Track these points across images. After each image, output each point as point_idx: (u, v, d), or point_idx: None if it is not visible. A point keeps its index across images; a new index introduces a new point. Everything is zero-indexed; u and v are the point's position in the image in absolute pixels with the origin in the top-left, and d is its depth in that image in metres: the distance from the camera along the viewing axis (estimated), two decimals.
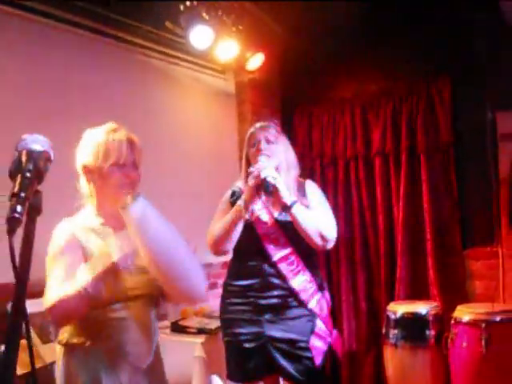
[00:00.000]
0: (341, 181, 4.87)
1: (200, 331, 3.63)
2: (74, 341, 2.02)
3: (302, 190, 3.03)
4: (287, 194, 2.79)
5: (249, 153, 3.02)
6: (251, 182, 2.79)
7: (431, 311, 4.07)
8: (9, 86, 3.25)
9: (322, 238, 2.83)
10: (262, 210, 2.94)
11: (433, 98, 4.47)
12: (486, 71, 4.23)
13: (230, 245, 2.85)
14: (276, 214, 2.93)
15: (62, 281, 1.89)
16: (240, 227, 2.84)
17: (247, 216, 2.81)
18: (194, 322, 3.77)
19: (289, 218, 2.84)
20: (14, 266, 1.21)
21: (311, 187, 3.09)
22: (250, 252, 2.92)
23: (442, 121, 4.44)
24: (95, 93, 3.70)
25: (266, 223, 2.92)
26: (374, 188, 4.73)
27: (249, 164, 2.99)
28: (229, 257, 3.08)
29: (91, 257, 1.98)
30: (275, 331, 2.84)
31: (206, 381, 3.44)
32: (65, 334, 2.04)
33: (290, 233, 2.88)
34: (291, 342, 2.82)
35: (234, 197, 3.02)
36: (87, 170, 2.06)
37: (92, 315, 1.97)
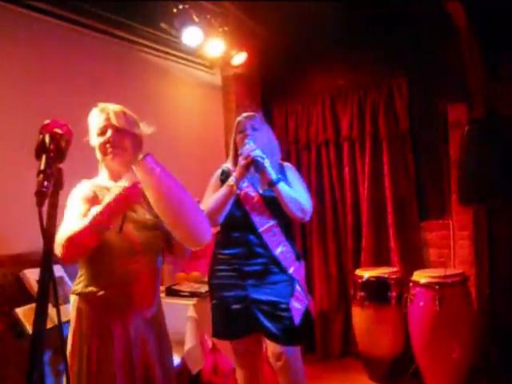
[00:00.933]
0: (313, 163, 4.81)
1: (192, 295, 3.57)
2: (87, 290, 2.01)
3: (282, 172, 3.00)
4: (273, 172, 2.77)
5: (236, 138, 2.97)
6: (242, 161, 2.76)
7: (392, 275, 4.08)
8: (29, 75, 3.24)
9: (302, 211, 2.81)
10: (249, 188, 2.89)
11: (393, 92, 4.45)
12: (437, 69, 4.21)
13: (222, 217, 2.79)
14: (261, 191, 2.89)
15: (75, 221, 1.90)
16: (231, 201, 2.79)
17: (237, 192, 2.75)
18: (186, 287, 3.71)
19: (273, 194, 2.81)
20: (44, 235, 1.24)
21: (290, 169, 3.07)
22: (237, 224, 2.86)
23: (400, 111, 4.42)
24: (100, 83, 3.67)
25: (253, 198, 2.87)
26: (342, 169, 4.69)
27: (236, 148, 2.97)
28: (217, 229, 3.01)
29: None
30: (258, 294, 2.80)
31: (197, 338, 3.38)
32: (79, 284, 2.04)
33: (273, 207, 2.84)
34: (273, 304, 2.77)
35: (224, 175, 2.96)
36: (92, 146, 2.11)
37: (104, 267, 2.00)
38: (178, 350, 3.26)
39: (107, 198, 1.91)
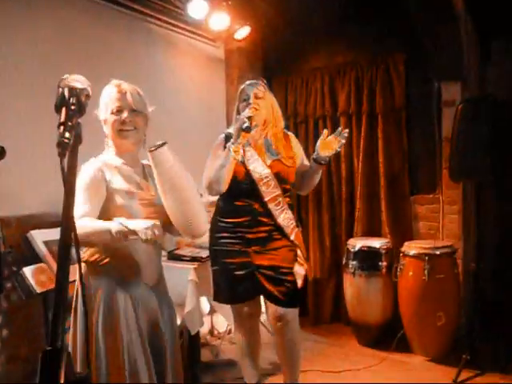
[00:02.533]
0: (311, 136, 4.76)
1: (193, 259, 3.52)
2: (94, 258, 2.00)
3: (287, 141, 2.97)
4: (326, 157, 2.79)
5: (240, 106, 2.91)
6: (236, 126, 2.70)
7: (383, 246, 4.08)
8: (43, 44, 3.22)
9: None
10: (258, 160, 2.84)
11: (389, 69, 4.39)
12: (434, 48, 4.11)
13: (224, 185, 2.72)
14: (269, 162, 2.84)
15: (82, 203, 1.88)
16: (232, 167, 2.71)
17: (239, 158, 2.68)
18: (187, 252, 3.67)
19: (281, 166, 2.84)
20: (65, 185, 1.20)
21: (294, 140, 3.04)
22: (242, 194, 2.82)
23: (396, 88, 4.37)
24: (106, 52, 3.63)
25: (262, 169, 2.82)
26: None
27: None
28: (216, 197, 2.99)
29: (113, 190, 1.99)
30: (261, 260, 2.79)
31: (197, 300, 3.36)
32: (86, 252, 2.02)
33: (279, 177, 2.83)
34: (276, 269, 2.78)
35: (228, 140, 2.87)
36: (103, 121, 2.08)
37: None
38: (179, 311, 3.23)
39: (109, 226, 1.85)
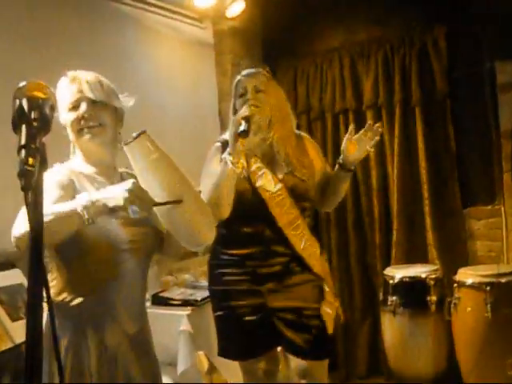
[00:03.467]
0: (329, 137, 4.78)
1: (185, 303, 3.55)
2: (61, 298, 1.99)
3: (301, 145, 2.96)
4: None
5: (236, 104, 2.88)
6: (232, 130, 2.68)
7: (431, 275, 4.03)
8: None
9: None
10: (267, 173, 2.82)
11: (427, 47, 4.40)
12: (483, 19, 4.13)
13: (227, 209, 2.67)
14: (281, 176, 2.83)
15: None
16: (233, 184, 2.66)
17: (242, 172, 2.68)
18: (176, 293, 3.71)
19: (296, 179, 2.82)
20: (32, 228, 1.19)
21: (310, 143, 3.03)
22: (248, 217, 2.81)
23: (437, 71, 4.39)
24: (69, 41, 3.64)
25: (272, 185, 2.81)
26: None
27: None
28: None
29: None
30: (279, 301, 2.79)
31: (192, 356, 3.34)
32: (51, 290, 1.97)
33: (296, 195, 2.82)
34: (297, 311, 2.77)
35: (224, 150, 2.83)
36: (63, 123, 2.10)
37: (82, 270, 1.98)
38: (170, 371, 3.24)
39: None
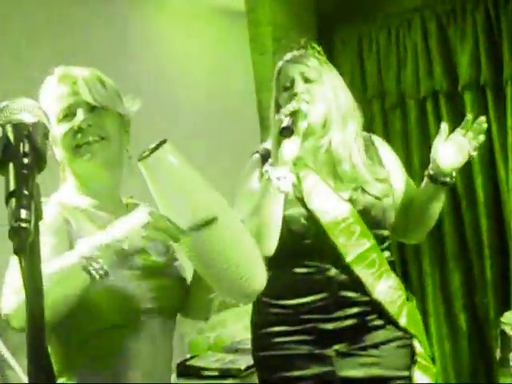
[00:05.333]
0: (413, 130, 4.82)
1: (223, 374, 3.58)
2: (62, 381, 2.00)
3: (372, 151, 3.01)
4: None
5: (279, 99, 2.96)
6: (275, 133, 2.70)
7: None
8: None
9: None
10: (324, 189, 2.87)
11: None
12: None
13: (272, 243, 2.72)
14: (347, 194, 2.87)
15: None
16: (279, 208, 2.71)
17: (292, 191, 2.72)
18: (211, 361, 3.74)
19: (369, 197, 2.84)
20: (29, 302, 1.21)
21: (384, 148, 3.09)
22: (304, 253, 2.86)
23: None
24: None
25: (335, 207, 2.85)
26: None
27: None
28: None
29: None
30: (352, 368, 2.80)
31: None
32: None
33: (369, 219, 2.85)
34: (380, 382, 2.79)
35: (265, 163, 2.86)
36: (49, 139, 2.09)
37: (87, 343, 1.98)
38: None
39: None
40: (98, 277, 1.77)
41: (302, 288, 2.85)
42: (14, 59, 3.44)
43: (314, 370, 2.82)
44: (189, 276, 2.16)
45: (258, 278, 2.05)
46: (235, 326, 4.20)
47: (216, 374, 3.61)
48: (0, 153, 1.26)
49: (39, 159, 1.29)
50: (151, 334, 2.06)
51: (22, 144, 1.26)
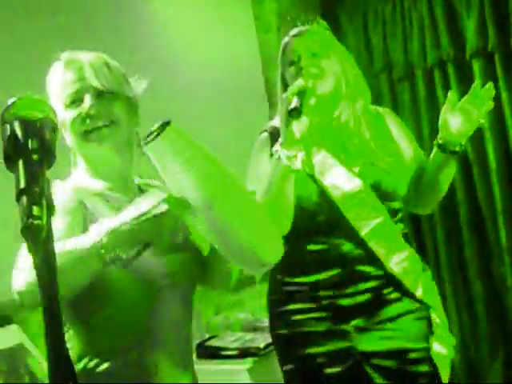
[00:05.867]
0: (423, 101, 4.81)
1: (243, 352, 3.59)
2: (81, 365, 2.01)
3: (381, 124, 2.99)
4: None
5: (286, 75, 2.95)
6: (282, 110, 2.68)
7: None
8: None
9: None
10: (337, 166, 2.86)
11: None
12: None
13: (286, 222, 2.72)
14: (357, 169, 2.86)
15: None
16: (290, 186, 2.71)
17: (302, 168, 2.72)
18: (230, 340, 3.74)
19: (379, 171, 2.83)
20: (44, 295, 1.20)
21: (393, 120, 3.06)
22: (318, 229, 2.86)
23: None
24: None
25: (347, 182, 2.84)
26: None
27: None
28: None
29: None
30: (371, 342, 2.80)
31: None
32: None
33: (379, 192, 2.84)
34: (398, 354, 2.78)
35: (274, 141, 2.85)
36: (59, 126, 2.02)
37: (107, 324, 2.00)
38: None
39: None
40: (111, 263, 1.79)
41: (317, 265, 2.85)
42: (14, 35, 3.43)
43: (333, 345, 2.81)
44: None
45: (272, 250, 2.07)
46: (253, 304, 4.18)
47: (235, 353, 3.60)
48: (10, 150, 1.25)
49: (48, 155, 1.27)
50: (169, 313, 2.08)
51: (30, 140, 1.25)
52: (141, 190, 2.19)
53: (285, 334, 2.94)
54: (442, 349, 2.80)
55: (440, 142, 2.82)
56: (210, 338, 3.81)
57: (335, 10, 5.07)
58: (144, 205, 1.87)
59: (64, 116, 2.06)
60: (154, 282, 2.04)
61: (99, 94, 2.06)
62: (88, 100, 2.05)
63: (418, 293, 2.83)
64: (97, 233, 1.81)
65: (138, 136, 2.15)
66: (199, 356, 3.66)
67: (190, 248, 2.09)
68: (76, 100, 2.06)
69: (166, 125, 1.88)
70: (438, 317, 2.85)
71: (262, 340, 3.60)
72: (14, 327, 3.10)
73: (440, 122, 2.81)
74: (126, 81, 2.17)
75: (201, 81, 4.55)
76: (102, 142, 2.06)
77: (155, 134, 1.88)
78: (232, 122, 4.37)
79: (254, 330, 3.84)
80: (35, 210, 1.13)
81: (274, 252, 2.08)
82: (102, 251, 1.77)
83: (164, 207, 1.83)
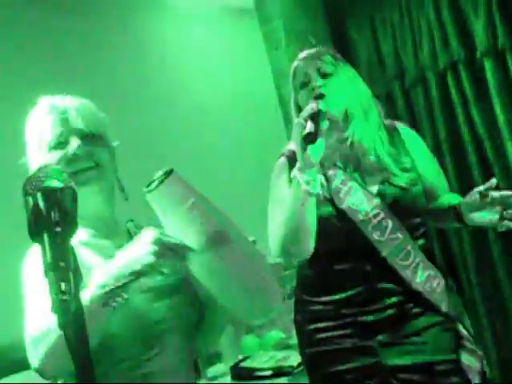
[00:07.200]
0: (437, 103, 4.77)
1: (276, 372, 3.58)
2: None
3: (396, 139, 3.00)
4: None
5: (298, 98, 2.97)
6: (297, 136, 2.68)
7: None
8: None
9: None
10: (355, 187, 2.87)
11: None
12: None
13: (310, 244, 2.76)
14: (375, 188, 2.88)
15: (38, 308, 1.85)
16: (313, 210, 2.73)
17: (321, 192, 2.74)
18: (264, 360, 3.73)
19: (396, 189, 2.84)
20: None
21: (408, 134, 3.07)
22: (338, 252, 2.88)
23: None
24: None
25: (366, 203, 2.85)
26: (490, 106, 4.56)
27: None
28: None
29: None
30: (398, 357, 2.80)
31: None
32: None
33: (401, 211, 2.86)
34: (426, 368, 2.77)
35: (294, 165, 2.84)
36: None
37: (108, 377, 1.95)
38: None
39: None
40: (114, 306, 1.81)
41: (340, 284, 2.87)
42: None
43: (360, 362, 2.83)
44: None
45: (275, 292, 2.11)
46: (284, 320, 4.18)
47: (269, 373, 3.60)
48: (33, 222, 1.30)
49: (71, 225, 1.32)
50: (170, 357, 2.07)
51: (53, 212, 1.30)
52: (129, 234, 2.19)
53: (312, 352, 2.97)
54: (471, 359, 2.78)
55: (458, 211, 2.79)
56: (243, 359, 3.81)
57: (343, 24, 5.06)
58: (137, 243, 1.88)
59: (47, 159, 2.07)
60: (153, 329, 2.04)
61: (83, 137, 2.09)
62: (74, 142, 2.07)
63: (443, 305, 2.85)
64: (97, 280, 1.83)
65: (120, 181, 2.20)
66: (234, 378, 3.67)
67: (188, 289, 2.14)
68: (61, 142, 2.08)
69: (169, 173, 1.91)
70: (463, 328, 2.85)
71: (295, 358, 3.59)
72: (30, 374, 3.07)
73: (467, 197, 2.75)
74: (107, 125, 2.21)
75: (218, 103, 4.58)
76: (88, 183, 2.07)
77: (157, 182, 1.91)
78: (249, 139, 4.38)
79: (286, 347, 3.83)
80: (63, 286, 1.19)
81: (278, 296, 2.13)
82: (108, 298, 1.80)
83: (154, 236, 1.84)
